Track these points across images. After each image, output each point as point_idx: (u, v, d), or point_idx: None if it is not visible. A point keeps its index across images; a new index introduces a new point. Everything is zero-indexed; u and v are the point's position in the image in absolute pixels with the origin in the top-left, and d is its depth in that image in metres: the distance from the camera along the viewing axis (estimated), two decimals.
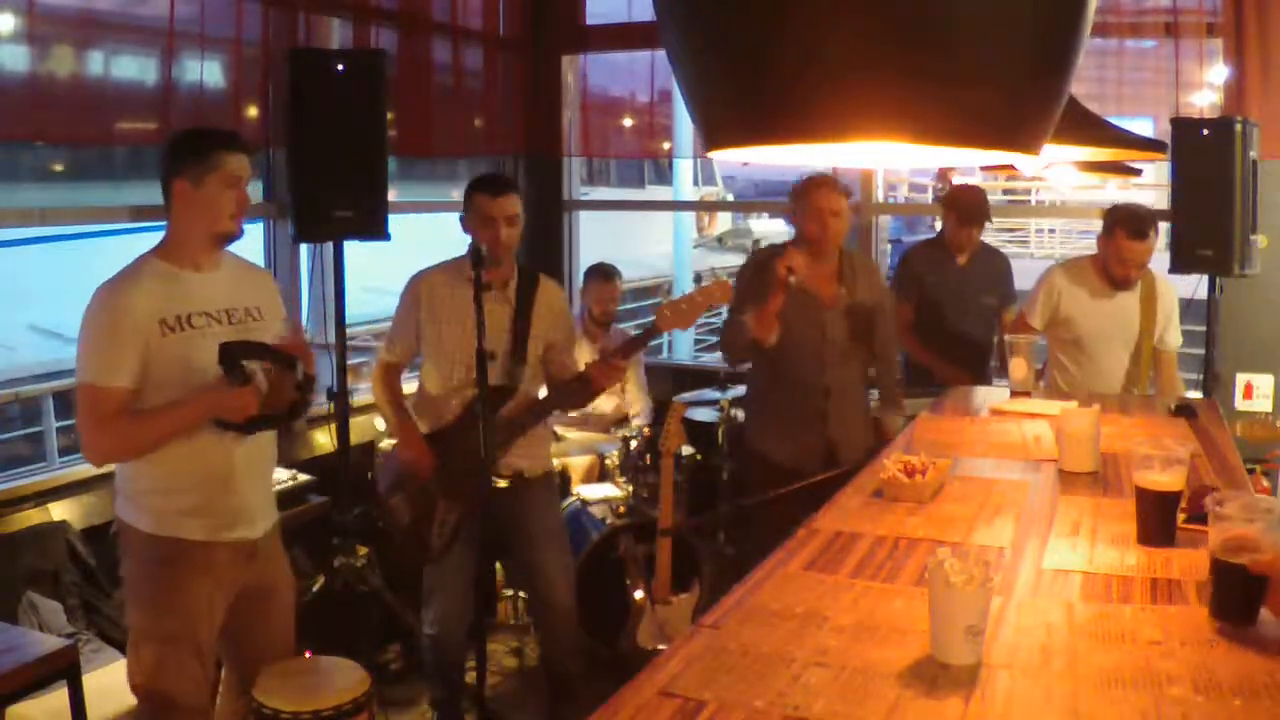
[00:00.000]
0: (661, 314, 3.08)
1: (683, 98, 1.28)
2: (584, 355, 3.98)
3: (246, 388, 2.39)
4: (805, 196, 3.43)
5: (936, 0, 1.06)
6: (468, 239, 3.10)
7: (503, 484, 3.09)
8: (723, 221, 16.56)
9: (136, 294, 2.34)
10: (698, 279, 11.29)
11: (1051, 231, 12.17)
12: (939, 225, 4.49)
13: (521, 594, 4.21)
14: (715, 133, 1.23)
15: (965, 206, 4.27)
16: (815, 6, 1.07)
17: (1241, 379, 4.37)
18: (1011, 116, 1.14)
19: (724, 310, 3.56)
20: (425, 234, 3.48)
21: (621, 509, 4.06)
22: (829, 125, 1.11)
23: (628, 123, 5.81)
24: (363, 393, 4.56)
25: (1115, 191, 8.16)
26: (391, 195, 3.92)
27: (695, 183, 13.34)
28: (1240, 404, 4.38)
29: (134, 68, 3.83)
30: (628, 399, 4.76)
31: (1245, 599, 1.57)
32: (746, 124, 1.19)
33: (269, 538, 2.62)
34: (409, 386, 3.41)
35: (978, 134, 1.13)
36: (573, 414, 4.68)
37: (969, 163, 4.50)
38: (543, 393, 3.30)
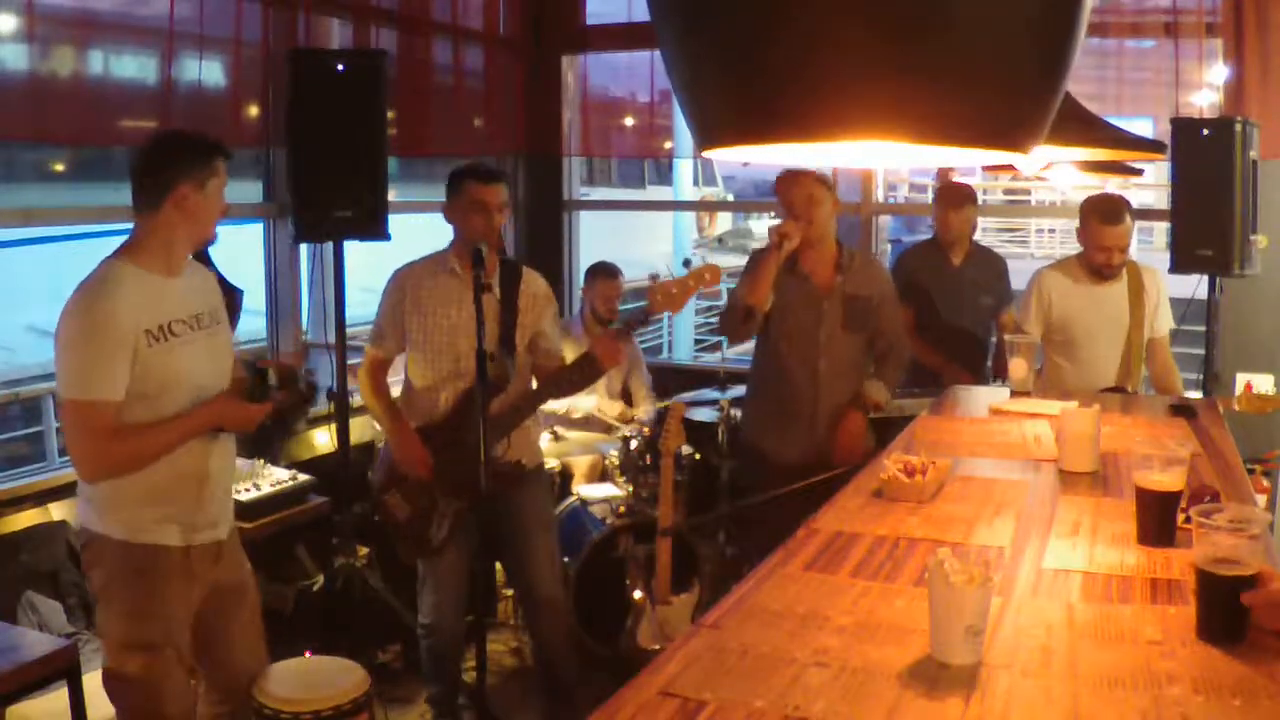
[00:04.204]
0: (653, 297, 3.09)
1: (676, 97, 1.27)
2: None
3: (264, 404, 2.46)
4: (779, 189, 3.54)
5: None
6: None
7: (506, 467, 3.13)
8: (723, 221, 16.55)
9: (119, 303, 2.26)
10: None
11: (1051, 231, 12.16)
12: (936, 224, 4.50)
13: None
14: (710, 132, 1.23)
15: (950, 191, 4.35)
16: (811, 4, 1.07)
17: (1241, 379, 4.36)
18: (1008, 116, 1.13)
19: (723, 304, 3.61)
20: (425, 234, 3.48)
21: (621, 509, 4.05)
22: (824, 124, 1.11)
23: (628, 122, 5.82)
24: None
25: (1116, 191, 8.15)
26: (391, 195, 3.92)
27: (695, 183, 13.34)
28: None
29: (134, 68, 3.84)
30: (634, 400, 4.76)
31: (1232, 613, 1.52)
32: (742, 123, 1.18)
33: (232, 538, 2.62)
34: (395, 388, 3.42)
35: (973, 133, 1.13)
36: (576, 415, 4.68)
37: (970, 163, 4.51)
38: (534, 383, 3.31)
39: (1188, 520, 1.99)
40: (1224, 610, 1.53)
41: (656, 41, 1.26)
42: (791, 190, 3.47)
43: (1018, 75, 1.11)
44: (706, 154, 1.28)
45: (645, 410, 4.71)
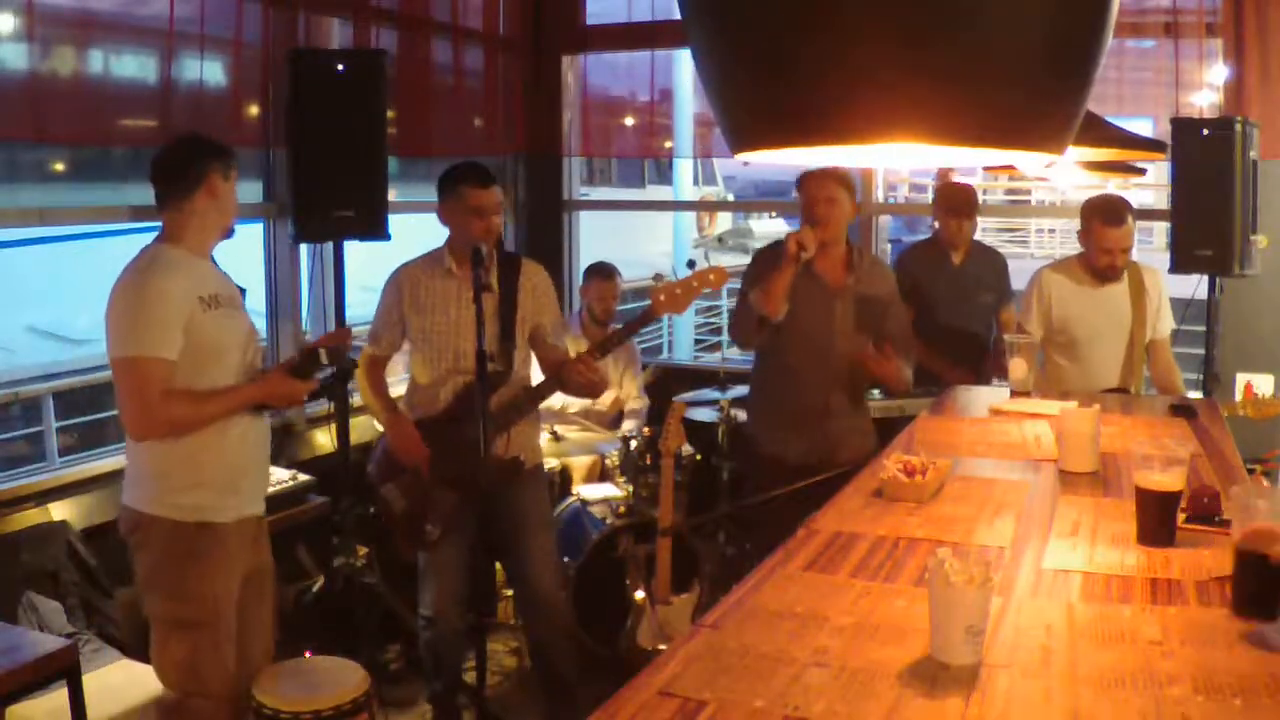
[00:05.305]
0: (656, 298, 3.09)
1: (708, 99, 1.27)
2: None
3: (309, 382, 2.63)
4: (802, 187, 3.50)
5: (961, 1, 1.06)
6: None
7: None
8: (723, 221, 16.56)
9: (172, 274, 2.44)
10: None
11: (1051, 231, 12.16)
12: (938, 226, 4.50)
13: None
14: (742, 134, 1.23)
15: (951, 199, 4.31)
16: (840, 8, 1.07)
17: (1241, 379, 4.36)
18: (1037, 116, 1.13)
19: (722, 304, 3.59)
20: (425, 234, 3.48)
21: (621, 509, 4.05)
22: (855, 127, 1.11)
23: (628, 122, 5.81)
24: None
25: (1115, 191, 8.15)
26: (391, 195, 3.92)
27: (695, 183, 13.34)
28: None
29: (134, 68, 3.84)
30: (625, 390, 4.77)
31: (1266, 591, 1.57)
32: (773, 126, 1.18)
33: (264, 521, 2.72)
34: (399, 386, 3.43)
35: (1004, 134, 1.13)
36: (573, 409, 4.68)
37: (971, 162, 4.51)
38: (535, 378, 3.31)
39: (1188, 520, 2.00)
40: (1258, 586, 1.58)
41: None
42: (813, 190, 3.42)
43: (1047, 75, 1.11)
44: (739, 156, 1.28)
45: (635, 404, 4.73)
